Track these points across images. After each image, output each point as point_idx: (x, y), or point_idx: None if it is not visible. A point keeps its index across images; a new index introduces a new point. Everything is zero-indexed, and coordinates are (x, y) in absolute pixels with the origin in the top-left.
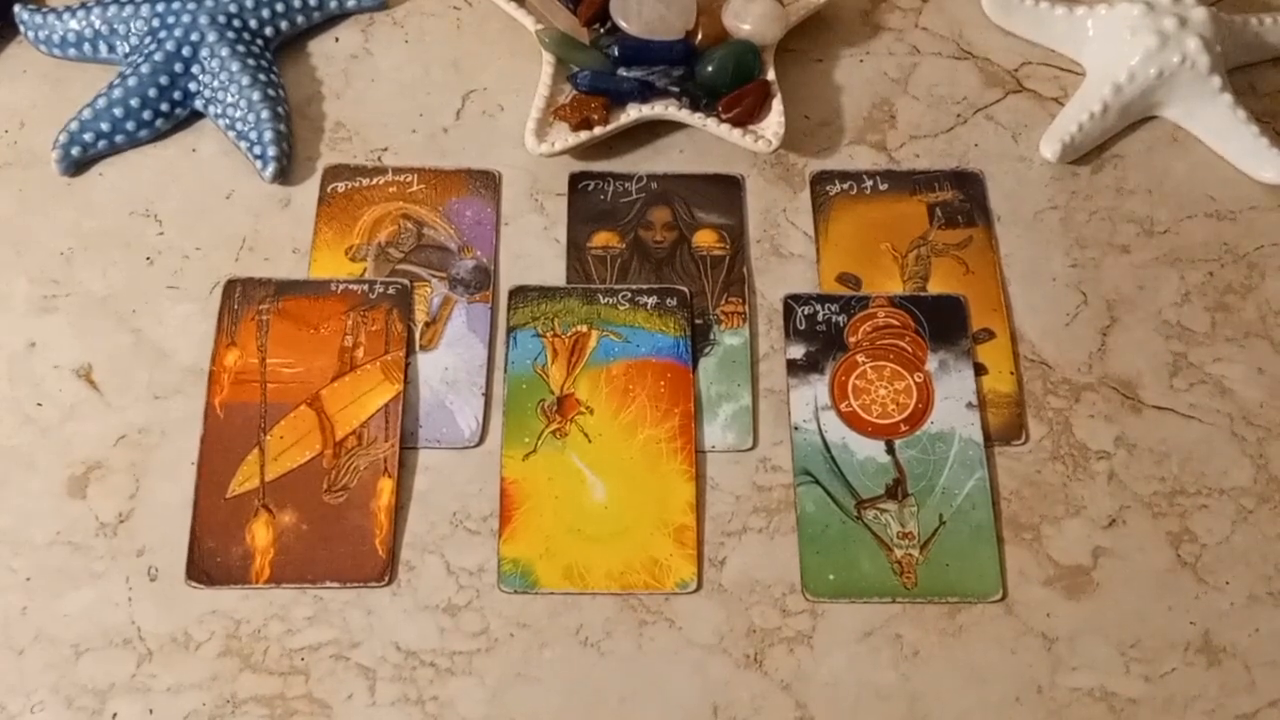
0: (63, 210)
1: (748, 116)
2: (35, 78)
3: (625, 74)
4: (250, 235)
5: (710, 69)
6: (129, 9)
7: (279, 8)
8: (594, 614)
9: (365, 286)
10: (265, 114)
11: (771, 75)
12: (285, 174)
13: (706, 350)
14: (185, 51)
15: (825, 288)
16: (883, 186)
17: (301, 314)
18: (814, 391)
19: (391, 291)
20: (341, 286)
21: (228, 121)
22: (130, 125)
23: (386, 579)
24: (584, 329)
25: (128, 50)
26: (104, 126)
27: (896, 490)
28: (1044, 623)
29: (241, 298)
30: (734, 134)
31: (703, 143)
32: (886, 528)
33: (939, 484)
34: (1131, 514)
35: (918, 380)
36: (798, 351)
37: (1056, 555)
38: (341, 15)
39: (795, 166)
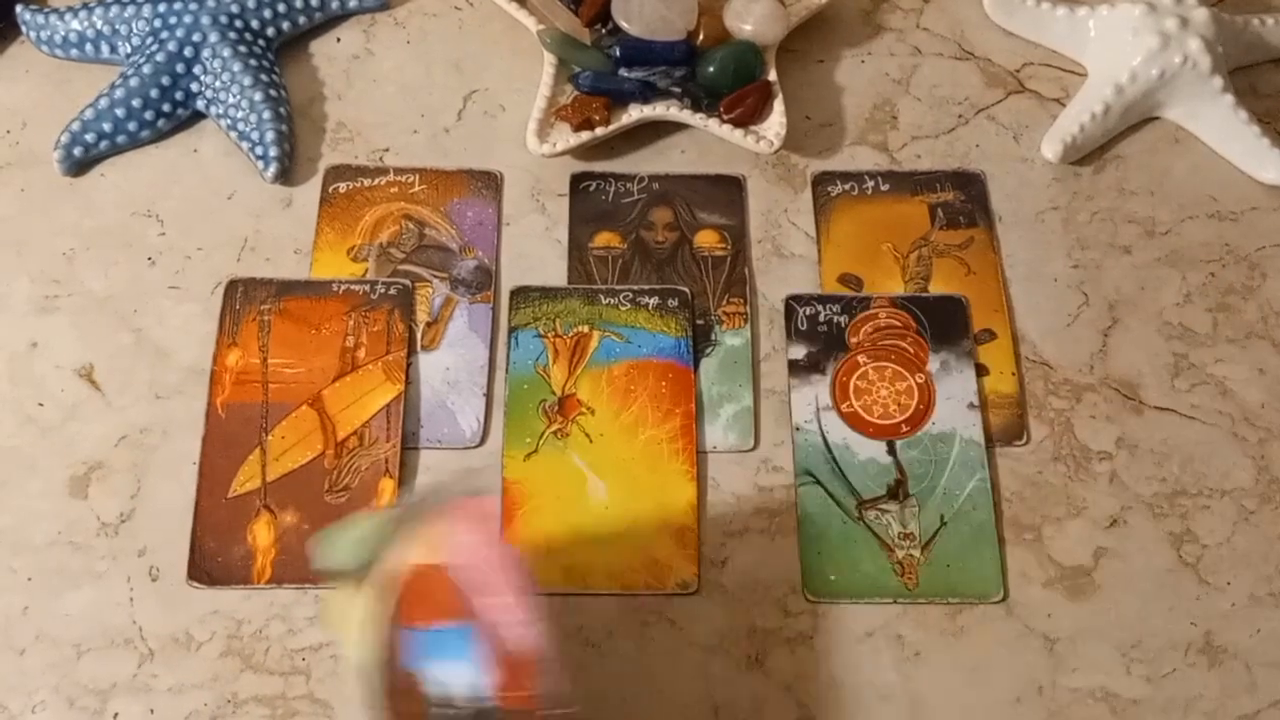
0: (64, 210)
1: (749, 117)
2: (37, 78)
3: (627, 74)
4: (252, 235)
5: (712, 69)
6: (131, 9)
7: (281, 8)
8: (595, 614)
9: (367, 287)
10: (267, 114)
11: (773, 76)
12: (287, 174)
13: (708, 351)
14: (187, 52)
15: (827, 288)
16: (884, 187)
17: (303, 314)
18: (815, 392)
19: (393, 292)
20: (343, 287)
21: (229, 122)
22: (132, 125)
23: None
24: (585, 329)
25: (129, 50)
26: (106, 127)
27: (898, 491)
28: (1045, 623)
29: (243, 298)
30: (735, 134)
31: (704, 143)
32: (888, 528)
33: (940, 485)
34: (1133, 515)
35: (919, 381)
36: (799, 352)
37: (1058, 556)
38: (343, 16)
39: (796, 167)
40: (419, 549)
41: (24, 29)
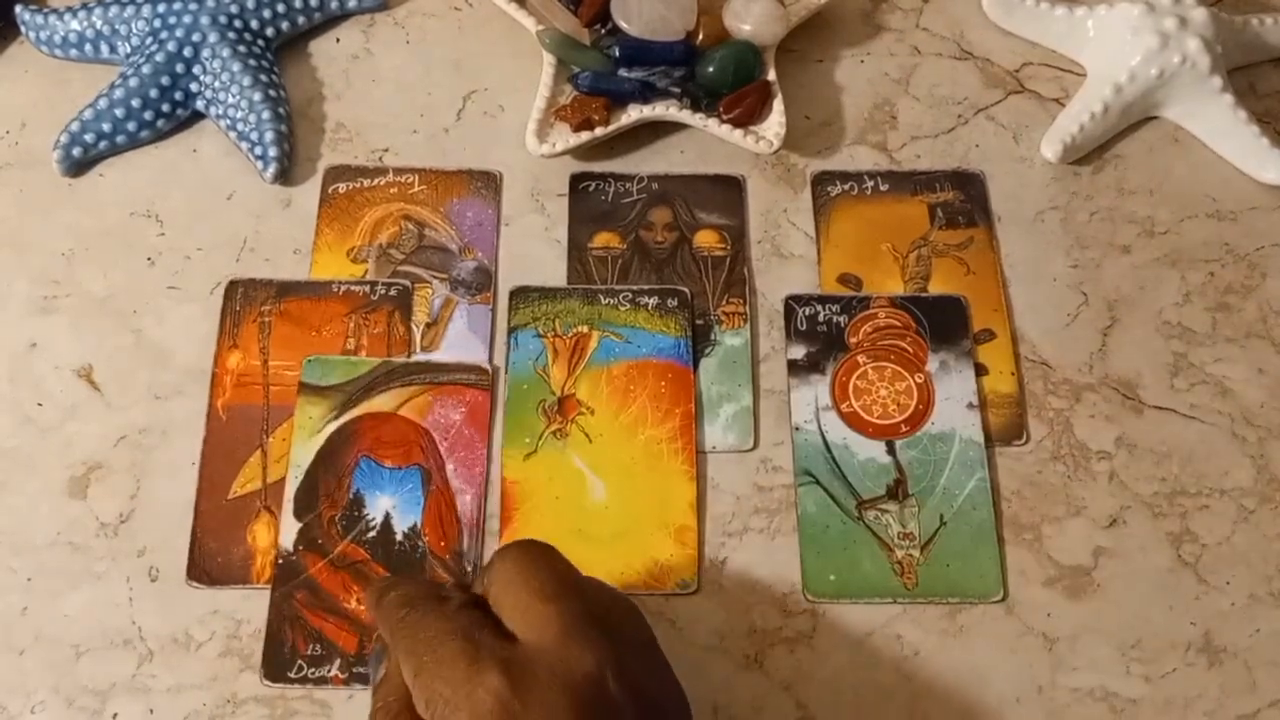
0: (63, 211)
1: (748, 117)
2: (36, 78)
3: (626, 75)
4: (251, 236)
5: (711, 69)
6: (130, 9)
7: (280, 8)
8: None
9: (367, 288)
10: (266, 114)
11: (772, 76)
12: (286, 175)
13: (707, 351)
14: (186, 52)
15: (826, 288)
16: (883, 187)
17: (303, 316)
18: (815, 392)
19: (393, 293)
20: (343, 288)
21: (229, 122)
22: (131, 126)
23: None
24: (585, 329)
25: (129, 51)
26: (105, 127)
27: (897, 491)
28: (1044, 623)
29: (244, 299)
30: (735, 135)
31: (703, 143)
32: (887, 528)
33: (940, 484)
34: (1132, 514)
35: (918, 381)
36: (798, 352)
37: (1057, 555)
38: (342, 16)
39: (796, 167)
40: (403, 404)
41: (23, 29)
